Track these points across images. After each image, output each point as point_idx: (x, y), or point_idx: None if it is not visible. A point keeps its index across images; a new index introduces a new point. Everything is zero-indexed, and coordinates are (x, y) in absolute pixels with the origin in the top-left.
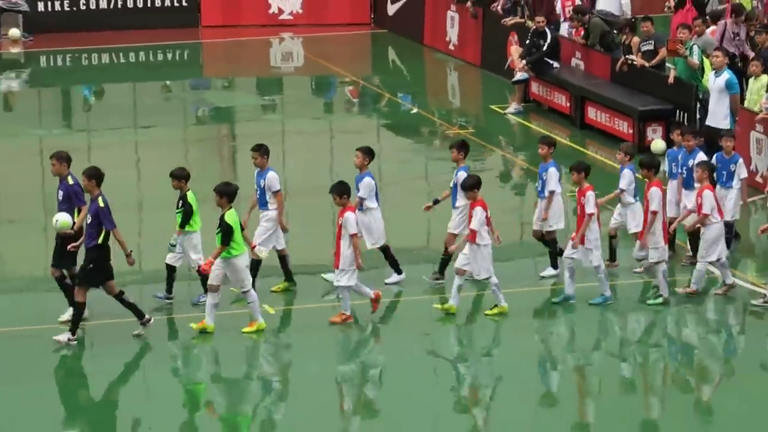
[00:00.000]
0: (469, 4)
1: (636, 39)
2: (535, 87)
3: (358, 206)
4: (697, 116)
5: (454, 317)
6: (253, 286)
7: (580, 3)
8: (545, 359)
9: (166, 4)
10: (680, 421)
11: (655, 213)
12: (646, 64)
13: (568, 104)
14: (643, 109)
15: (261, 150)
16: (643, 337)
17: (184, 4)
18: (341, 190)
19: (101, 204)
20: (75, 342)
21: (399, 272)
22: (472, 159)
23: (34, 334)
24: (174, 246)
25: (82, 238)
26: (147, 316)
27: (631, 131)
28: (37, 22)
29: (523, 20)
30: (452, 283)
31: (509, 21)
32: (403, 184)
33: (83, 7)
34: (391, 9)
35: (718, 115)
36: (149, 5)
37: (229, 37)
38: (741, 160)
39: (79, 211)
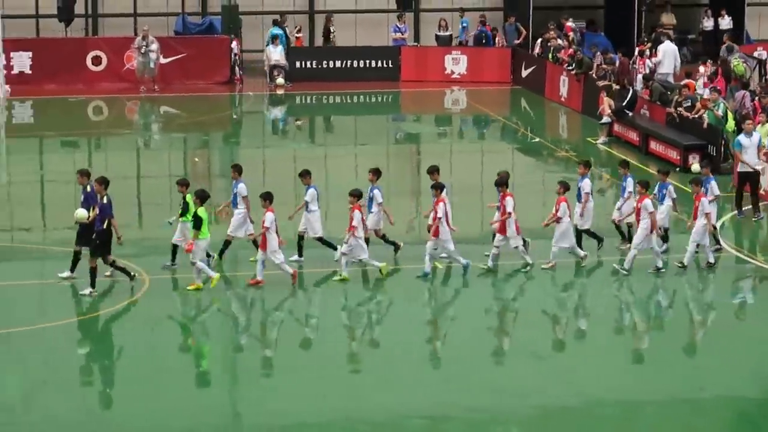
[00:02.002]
0: (574, 72)
1: (681, 97)
2: (616, 127)
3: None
4: (722, 150)
5: None
6: (221, 257)
7: (648, 72)
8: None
9: (379, 65)
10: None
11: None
12: (689, 115)
13: (638, 139)
14: (687, 143)
15: (235, 168)
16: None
17: (390, 65)
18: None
19: (105, 201)
20: (96, 293)
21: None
22: (573, 171)
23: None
24: (170, 224)
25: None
26: (134, 274)
27: (678, 157)
28: (295, 74)
29: (610, 83)
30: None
31: (601, 83)
32: (528, 188)
33: (324, 66)
34: (524, 72)
35: (753, 160)
36: (368, 66)
37: (418, 87)
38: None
39: (94, 208)
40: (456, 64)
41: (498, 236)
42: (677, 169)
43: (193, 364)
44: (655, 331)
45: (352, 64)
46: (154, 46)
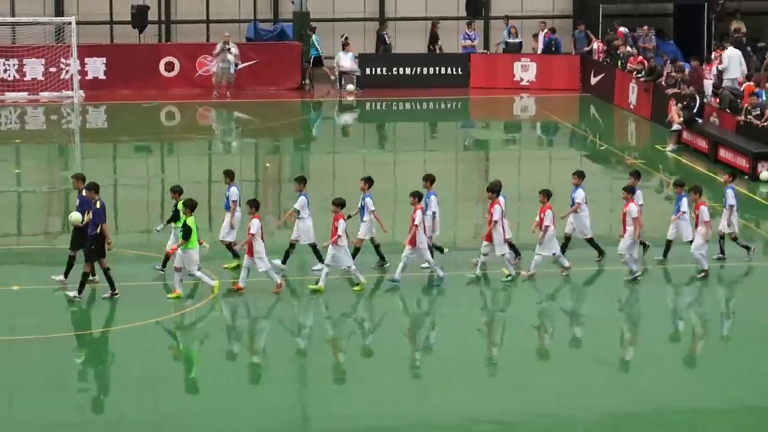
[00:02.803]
0: (643, 80)
1: (750, 105)
2: (686, 134)
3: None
4: None
5: None
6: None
7: (716, 80)
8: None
9: (448, 72)
10: None
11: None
12: (759, 123)
13: (707, 147)
14: (756, 151)
15: (227, 174)
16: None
17: (460, 72)
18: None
19: (98, 207)
20: (81, 299)
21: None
22: (642, 179)
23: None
24: (159, 231)
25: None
26: (116, 291)
27: (747, 165)
28: (365, 81)
29: (680, 90)
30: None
31: (670, 90)
32: (596, 195)
33: (394, 72)
34: (593, 80)
35: None
36: (437, 72)
37: (487, 94)
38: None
39: (88, 213)
40: (525, 71)
41: (484, 243)
42: (745, 177)
43: (259, 367)
44: (713, 338)
45: (421, 71)
46: (235, 51)
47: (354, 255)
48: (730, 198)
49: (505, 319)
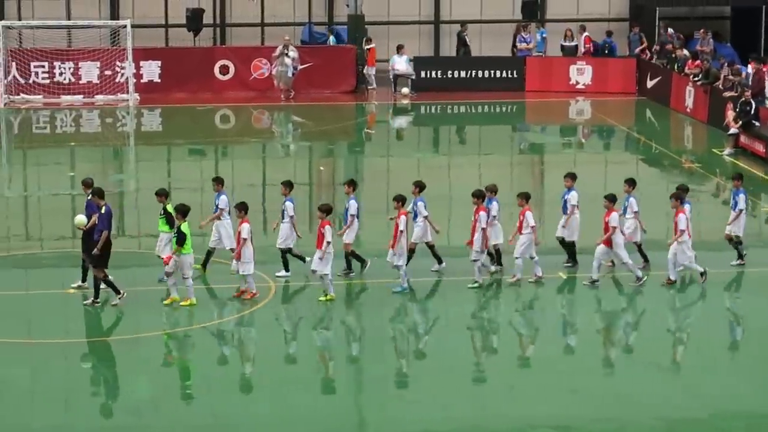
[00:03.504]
0: (700, 83)
1: None
2: (743, 138)
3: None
4: None
5: None
6: (205, 267)
7: None
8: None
9: (504, 76)
10: None
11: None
12: None
13: (764, 150)
14: None
15: (216, 180)
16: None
17: (515, 76)
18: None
19: (102, 212)
20: (99, 303)
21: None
22: (698, 183)
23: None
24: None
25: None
26: (99, 301)
27: None
28: (420, 84)
29: (737, 94)
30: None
31: (727, 94)
32: (652, 198)
33: (449, 75)
34: (650, 83)
35: None
36: (493, 76)
37: (543, 98)
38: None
39: (92, 217)
40: (581, 74)
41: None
42: None
43: (317, 371)
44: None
45: (477, 74)
46: (293, 54)
47: (409, 258)
48: (741, 202)
49: (564, 322)
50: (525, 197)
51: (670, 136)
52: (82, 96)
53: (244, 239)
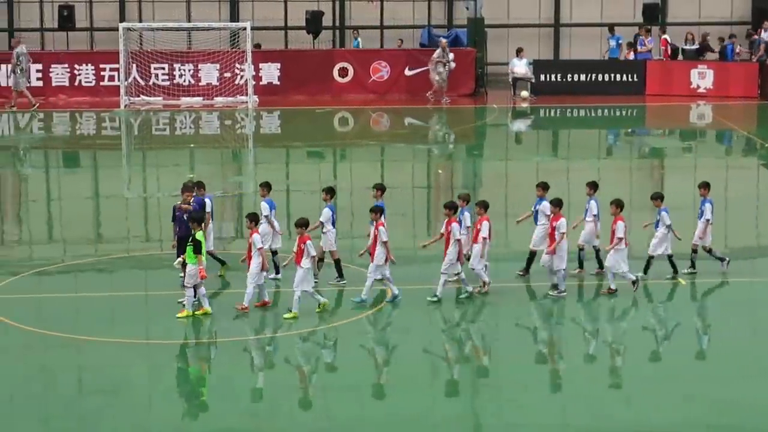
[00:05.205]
0: None
1: None
2: None
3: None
4: None
5: None
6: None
7: None
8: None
9: (623, 79)
10: None
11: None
12: None
13: None
14: None
15: (198, 184)
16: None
17: (635, 79)
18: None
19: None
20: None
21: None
22: None
23: None
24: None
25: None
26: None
27: None
28: (539, 88)
29: None
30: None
31: None
32: None
33: (568, 79)
34: None
35: None
36: (612, 79)
37: (663, 101)
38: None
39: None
40: (702, 78)
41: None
42: None
43: (433, 373)
44: None
45: (596, 77)
46: (449, 56)
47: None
48: (708, 212)
49: (678, 328)
50: (484, 206)
51: None
52: (201, 98)
53: (261, 249)
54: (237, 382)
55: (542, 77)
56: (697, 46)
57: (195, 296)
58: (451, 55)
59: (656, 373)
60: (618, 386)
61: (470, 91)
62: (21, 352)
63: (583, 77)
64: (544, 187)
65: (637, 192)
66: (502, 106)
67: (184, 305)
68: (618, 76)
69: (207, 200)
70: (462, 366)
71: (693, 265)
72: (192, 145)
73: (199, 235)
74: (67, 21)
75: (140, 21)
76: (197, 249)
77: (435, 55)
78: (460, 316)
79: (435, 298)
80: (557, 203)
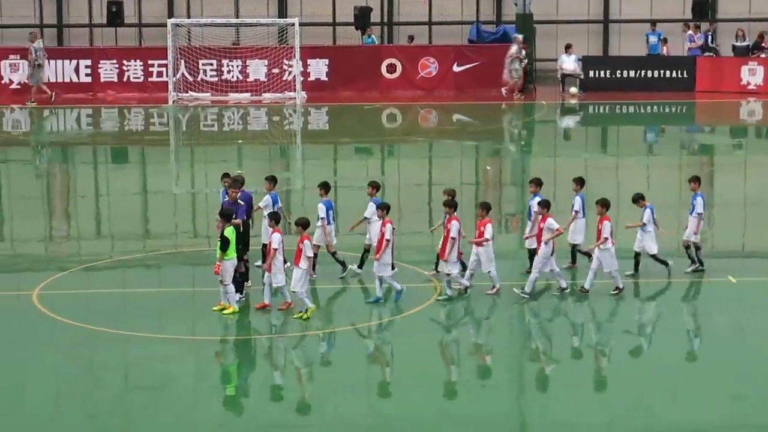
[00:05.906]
0: None
1: None
2: None
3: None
4: None
5: None
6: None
7: None
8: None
9: (673, 76)
10: None
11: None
12: None
13: None
14: None
15: (269, 179)
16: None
17: (685, 76)
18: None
19: (241, 203)
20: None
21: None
22: None
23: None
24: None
25: None
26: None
27: None
28: (588, 84)
29: None
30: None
31: None
32: None
33: (618, 75)
34: None
35: None
36: (662, 75)
37: (713, 98)
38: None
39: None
40: (752, 75)
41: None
42: None
43: (478, 371)
44: None
45: (646, 73)
46: (523, 53)
47: (573, 259)
48: (699, 206)
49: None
50: (485, 208)
51: None
52: (249, 94)
53: (275, 249)
54: (282, 379)
55: (591, 73)
56: (749, 43)
57: (239, 291)
58: (523, 52)
59: (704, 373)
60: (664, 385)
61: (520, 87)
62: (68, 347)
63: (632, 73)
64: (537, 183)
65: (686, 190)
66: (551, 103)
67: (230, 301)
68: (667, 73)
69: (267, 197)
70: (513, 364)
71: (693, 262)
72: (240, 141)
73: (228, 231)
74: (115, 17)
75: (188, 17)
76: (224, 246)
77: (512, 50)
78: (489, 310)
79: (444, 298)
80: (545, 204)
